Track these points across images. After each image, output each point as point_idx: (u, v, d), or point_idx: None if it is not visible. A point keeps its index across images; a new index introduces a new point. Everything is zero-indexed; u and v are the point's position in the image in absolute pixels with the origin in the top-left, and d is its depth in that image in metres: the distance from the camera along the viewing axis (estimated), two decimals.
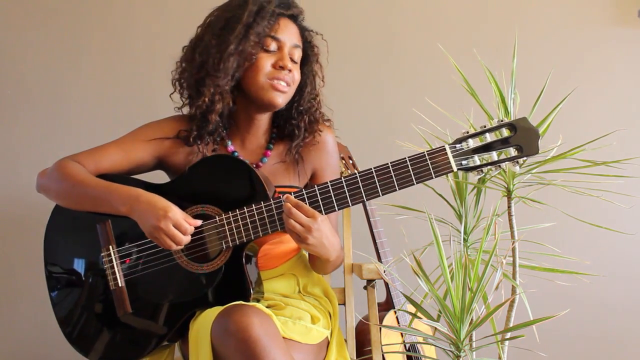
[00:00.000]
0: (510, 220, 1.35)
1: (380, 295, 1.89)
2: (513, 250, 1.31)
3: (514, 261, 1.31)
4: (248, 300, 1.36)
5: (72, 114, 2.31)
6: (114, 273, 1.43)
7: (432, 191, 1.47)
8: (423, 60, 2.31)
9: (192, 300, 1.41)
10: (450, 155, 1.30)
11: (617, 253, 2.25)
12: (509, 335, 1.23)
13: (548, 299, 1.70)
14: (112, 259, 1.44)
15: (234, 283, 1.39)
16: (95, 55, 2.32)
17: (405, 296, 1.22)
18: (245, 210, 1.39)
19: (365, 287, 1.73)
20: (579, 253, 1.70)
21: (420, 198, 1.44)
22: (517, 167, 1.28)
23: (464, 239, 1.38)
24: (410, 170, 1.32)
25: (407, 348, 1.86)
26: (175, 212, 1.35)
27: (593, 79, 2.28)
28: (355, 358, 1.68)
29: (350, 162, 1.92)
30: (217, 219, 1.40)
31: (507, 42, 2.11)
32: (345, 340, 1.62)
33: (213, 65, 1.45)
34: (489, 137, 1.29)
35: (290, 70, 1.48)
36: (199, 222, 1.39)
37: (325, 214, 1.37)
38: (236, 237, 1.39)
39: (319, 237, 1.36)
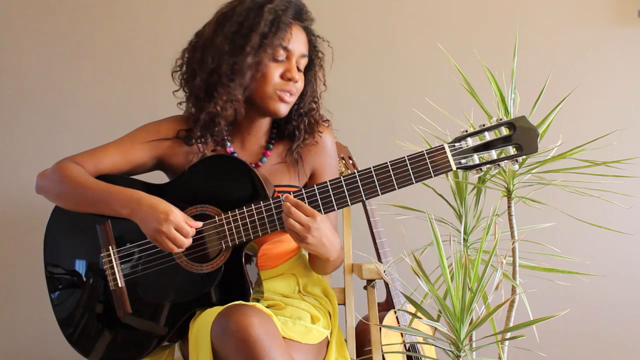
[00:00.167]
0: (510, 220, 1.35)
1: (380, 295, 1.89)
2: (513, 250, 1.31)
3: (514, 261, 1.31)
4: (248, 300, 1.36)
5: (72, 115, 2.31)
6: (113, 273, 1.43)
7: (432, 191, 1.47)
8: (423, 60, 2.31)
9: (192, 300, 1.41)
10: (449, 154, 1.30)
11: (617, 253, 2.25)
12: (509, 335, 1.23)
13: (548, 299, 1.70)
14: (112, 259, 1.44)
15: (234, 283, 1.39)
16: (95, 55, 2.32)
17: (405, 296, 1.22)
18: (245, 210, 1.39)
19: (365, 287, 1.73)
20: (579, 253, 1.70)
21: (420, 198, 1.44)
22: (516, 166, 1.28)
23: (464, 239, 1.38)
24: (410, 169, 1.32)
25: (407, 348, 1.86)
26: (177, 215, 1.35)
27: (593, 79, 2.28)
28: (355, 358, 1.68)
29: (350, 162, 1.92)
30: (217, 218, 1.40)
31: (507, 42, 2.11)
32: (345, 340, 1.62)
33: (228, 75, 1.43)
34: (488, 136, 1.29)
35: (296, 81, 1.48)
36: (200, 224, 1.39)
37: (325, 213, 1.37)
38: (236, 237, 1.39)
39: (319, 237, 1.36)
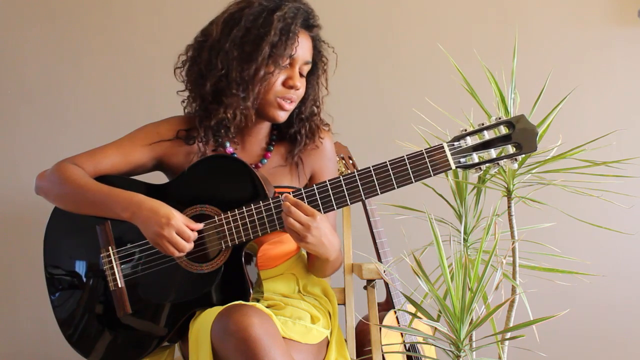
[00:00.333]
0: (510, 220, 1.35)
1: (380, 295, 1.89)
2: (513, 250, 1.31)
3: (514, 261, 1.31)
4: (248, 300, 1.36)
5: (72, 115, 2.31)
6: (113, 274, 1.43)
7: (432, 191, 1.47)
8: (423, 60, 2.31)
9: (192, 300, 1.41)
10: (448, 153, 1.30)
11: (617, 253, 2.25)
12: (509, 335, 1.23)
13: (548, 299, 1.70)
14: (111, 259, 1.44)
15: (234, 283, 1.39)
16: (95, 55, 2.32)
17: (405, 296, 1.22)
18: (245, 209, 1.39)
19: (365, 287, 1.73)
20: (579, 253, 1.70)
21: (420, 198, 1.44)
22: (515, 165, 1.28)
23: (464, 239, 1.38)
24: (409, 168, 1.32)
25: (407, 348, 1.86)
26: (178, 219, 1.35)
27: (593, 79, 2.28)
28: (355, 358, 1.68)
29: (350, 162, 1.92)
30: (217, 218, 1.40)
31: (507, 42, 2.11)
32: (345, 340, 1.62)
33: (237, 82, 1.42)
34: (487, 135, 1.29)
35: (298, 89, 1.48)
36: (200, 226, 1.39)
37: (324, 213, 1.37)
38: (235, 236, 1.39)
39: (318, 236, 1.36)
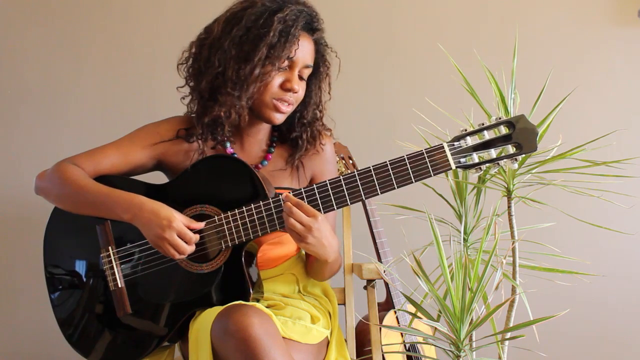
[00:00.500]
0: (510, 220, 1.35)
1: (380, 295, 1.89)
2: (513, 250, 1.31)
3: (514, 261, 1.31)
4: (248, 300, 1.36)
5: (72, 115, 2.31)
6: (113, 274, 1.43)
7: (432, 191, 1.47)
8: (423, 60, 2.31)
9: (192, 300, 1.41)
10: (448, 153, 1.30)
11: (617, 253, 2.25)
12: (509, 335, 1.23)
13: (548, 299, 1.70)
14: (111, 259, 1.44)
15: (234, 283, 1.39)
16: (95, 55, 2.32)
17: (405, 296, 1.22)
18: (245, 209, 1.39)
19: (365, 287, 1.73)
20: (579, 253, 1.70)
21: (420, 198, 1.44)
22: (516, 165, 1.28)
23: (464, 239, 1.38)
24: (409, 168, 1.32)
25: (407, 348, 1.86)
26: (179, 222, 1.35)
27: (593, 79, 2.28)
28: (355, 358, 1.68)
29: (350, 162, 1.92)
30: (216, 218, 1.40)
31: (507, 42, 2.11)
32: (345, 340, 1.62)
33: (233, 81, 1.42)
34: (487, 135, 1.29)
35: (296, 92, 1.47)
36: (201, 225, 1.39)
37: (324, 213, 1.37)
38: (235, 236, 1.39)
39: (319, 237, 1.36)
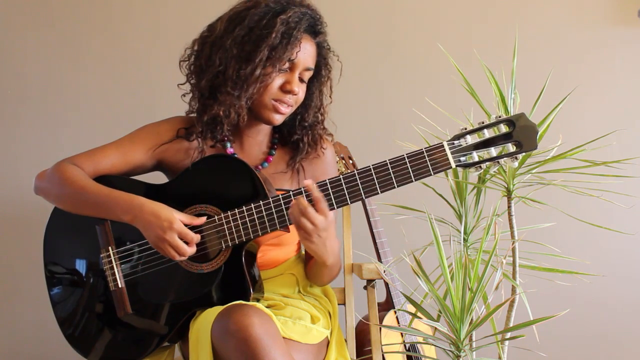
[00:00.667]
0: (510, 220, 1.35)
1: (380, 295, 1.89)
2: (513, 250, 1.31)
3: (514, 261, 1.31)
4: (248, 300, 1.36)
5: (72, 115, 2.31)
6: (113, 274, 1.43)
7: (432, 191, 1.47)
8: (423, 60, 2.31)
9: (192, 300, 1.41)
10: (448, 151, 1.30)
11: (617, 253, 2.25)
12: (509, 335, 1.23)
13: (548, 299, 1.70)
14: (111, 260, 1.44)
15: (234, 282, 1.39)
16: (95, 55, 2.32)
17: (405, 296, 1.22)
18: (245, 209, 1.38)
19: (365, 287, 1.73)
20: (579, 253, 1.70)
21: (420, 198, 1.44)
22: (516, 163, 1.28)
23: (464, 239, 1.38)
24: (409, 167, 1.32)
25: (407, 348, 1.86)
26: (180, 223, 1.35)
27: (593, 79, 2.28)
28: (355, 358, 1.68)
29: (350, 161, 1.92)
30: (217, 218, 1.40)
31: (507, 42, 2.11)
32: (345, 340, 1.62)
33: (233, 80, 1.42)
34: (487, 134, 1.29)
35: (295, 94, 1.47)
36: (203, 220, 1.39)
37: None
38: (235, 236, 1.39)
39: (325, 237, 1.36)
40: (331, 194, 1.36)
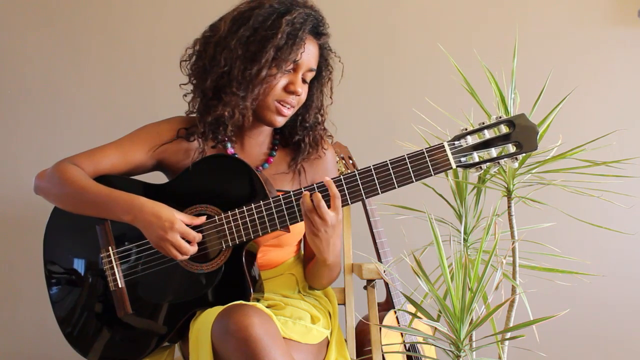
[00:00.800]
0: (510, 220, 1.35)
1: (380, 295, 1.89)
2: (513, 250, 1.31)
3: (514, 261, 1.31)
4: (248, 300, 1.36)
5: (72, 115, 2.31)
6: (113, 274, 1.43)
7: (432, 191, 1.47)
8: (423, 60, 2.31)
9: (193, 300, 1.41)
10: (449, 152, 1.30)
11: (617, 253, 2.25)
12: (509, 335, 1.23)
13: (548, 299, 1.70)
14: (111, 259, 1.44)
15: (234, 283, 1.39)
16: (95, 55, 2.32)
17: (405, 296, 1.22)
18: (245, 209, 1.39)
19: (365, 287, 1.73)
20: (579, 253, 1.70)
21: (420, 198, 1.44)
22: (516, 164, 1.28)
23: (464, 239, 1.38)
24: (410, 168, 1.32)
25: (407, 348, 1.86)
26: (181, 223, 1.35)
27: (593, 79, 2.28)
28: (355, 358, 1.68)
29: (350, 162, 1.92)
30: (217, 218, 1.40)
31: (507, 42, 2.11)
32: (345, 340, 1.62)
33: (238, 81, 1.42)
34: (488, 134, 1.29)
35: (299, 95, 1.47)
36: (203, 219, 1.39)
37: None
38: (236, 236, 1.39)
39: (330, 235, 1.36)
40: None
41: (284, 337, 1.30)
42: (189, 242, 1.36)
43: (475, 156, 1.30)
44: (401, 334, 1.84)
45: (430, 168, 1.31)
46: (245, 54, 1.42)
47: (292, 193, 1.37)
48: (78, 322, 1.48)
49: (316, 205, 1.33)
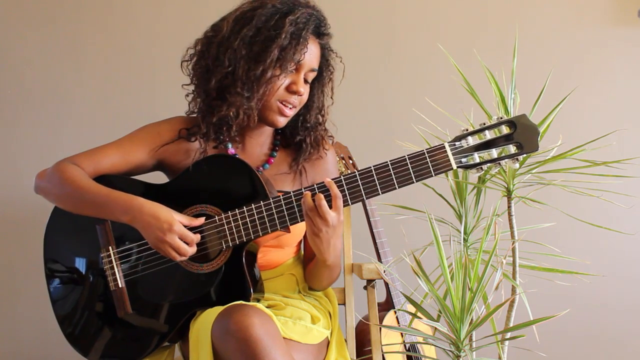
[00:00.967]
0: (510, 220, 1.35)
1: (380, 295, 1.89)
2: (513, 250, 1.31)
3: (514, 261, 1.31)
4: (248, 300, 1.36)
5: (72, 115, 2.31)
6: (114, 274, 1.43)
7: (432, 191, 1.47)
8: (423, 60, 2.31)
9: (193, 300, 1.41)
10: (449, 153, 1.30)
11: (617, 253, 2.25)
12: (509, 335, 1.23)
13: (548, 299, 1.70)
14: (111, 259, 1.44)
15: (234, 283, 1.39)
16: (95, 55, 2.32)
17: (405, 296, 1.22)
18: (245, 209, 1.39)
19: (365, 287, 1.73)
20: (579, 253, 1.70)
21: (420, 198, 1.44)
22: (517, 164, 1.28)
23: (464, 239, 1.38)
24: (410, 168, 1.32)
25: (407, 348, 1.86)
26: (180, 224, 1.35)
27: (593, 79, 2.28)
28: (355, 358, 1.68)
29: (350, 162, 1.92)
30: (217, 218, 1.40)
31: (507, 42, 2.11)
32: (345, 340, 1.62)
33: (242, 81, 1.41)
34: (489, 135, 1.29)
35: (301, 95, 1.47)
36: (201, 220, 1.39)
37: None
38: (236, 236, 1.39)
39: (331, 235, 1.36)
40: None
41: (284, 337, 1.30)
42: (187, 243, 1.36)
43: (476, 157, 1.30)
44: (401, 334, 1.84)
45: (431, 169, 1.31)
46: (249, 54, 1.41)
47: (292, 193, 1.37)
48: (78, 322, 1.48)
49: (317, 205, 1.33)
